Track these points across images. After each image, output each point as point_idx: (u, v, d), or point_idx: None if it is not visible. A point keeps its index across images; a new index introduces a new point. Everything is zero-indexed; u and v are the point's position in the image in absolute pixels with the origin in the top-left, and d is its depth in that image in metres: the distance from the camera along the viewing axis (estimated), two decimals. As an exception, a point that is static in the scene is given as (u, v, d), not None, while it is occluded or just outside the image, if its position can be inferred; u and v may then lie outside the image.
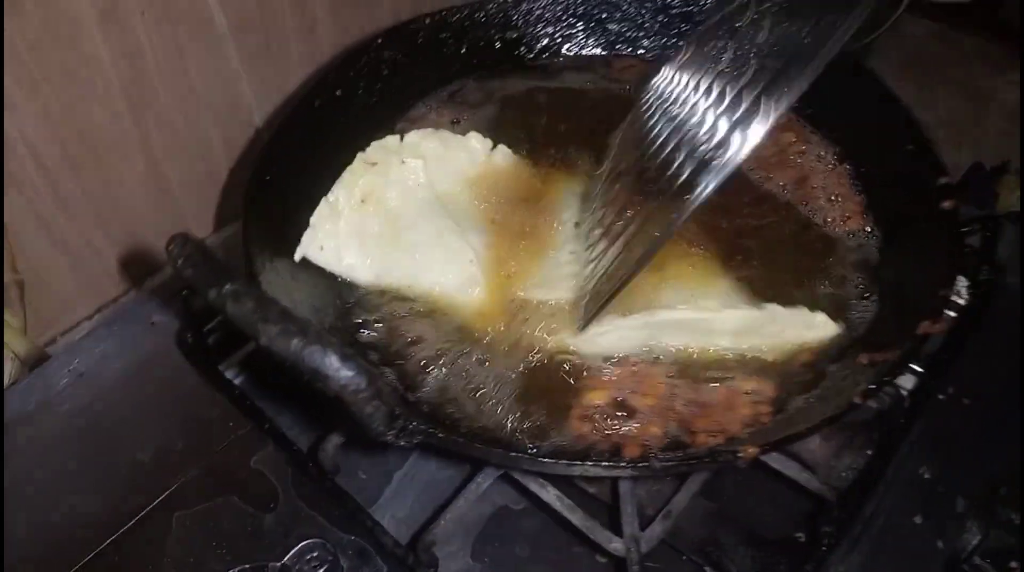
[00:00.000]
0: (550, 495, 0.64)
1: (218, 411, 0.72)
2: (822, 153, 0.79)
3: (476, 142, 0.77)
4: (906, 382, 0.74)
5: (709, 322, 0.62)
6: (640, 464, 0.48)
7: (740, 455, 0.48)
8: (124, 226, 0.96)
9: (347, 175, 0.72)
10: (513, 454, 0.49)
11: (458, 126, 0.84)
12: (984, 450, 0.70)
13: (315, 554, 0.64)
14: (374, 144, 0.74)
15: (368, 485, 0.78)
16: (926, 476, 0.67)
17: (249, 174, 0.66)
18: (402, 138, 0.75)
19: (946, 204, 0.62)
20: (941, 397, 0.72)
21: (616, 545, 0.61)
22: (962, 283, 0.80)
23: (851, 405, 0.51)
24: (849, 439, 0.75)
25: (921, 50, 1.34)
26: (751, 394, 0.58)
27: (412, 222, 0.71)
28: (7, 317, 0.83)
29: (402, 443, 0.49)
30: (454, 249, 0.69)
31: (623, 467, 0.48)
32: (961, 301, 0.80)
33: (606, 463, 0.47)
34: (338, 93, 0.75)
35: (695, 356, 0.62)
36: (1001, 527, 0.66)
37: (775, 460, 0.65)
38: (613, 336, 0.62)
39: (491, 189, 0.74)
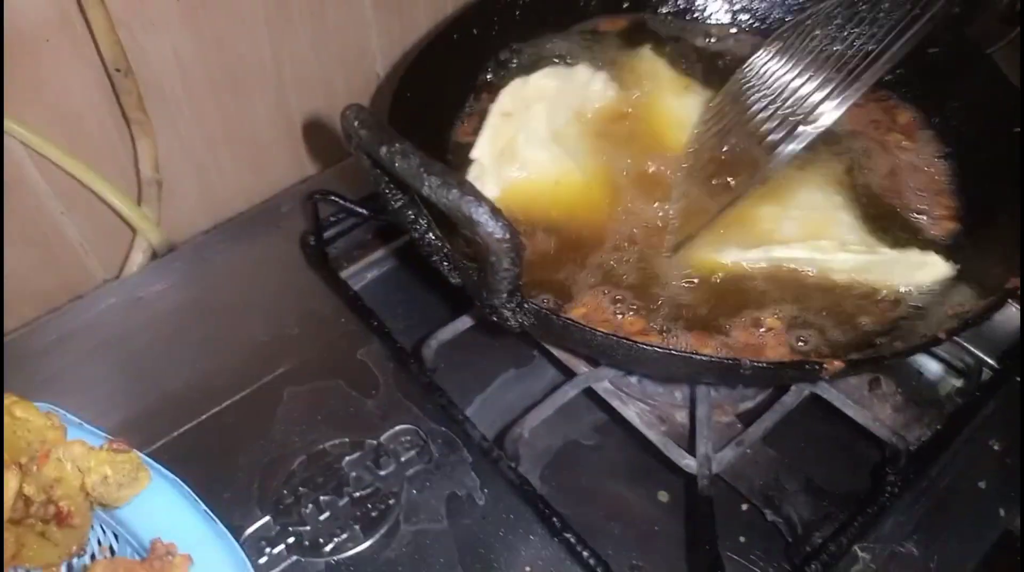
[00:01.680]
0: (631, 412, 0.68)
1: (331, 307, 0.78)
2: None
3: (583, 74, 0.82)
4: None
5: (825, 262, 0.67)
6: (729, 361, 0.52)
7: (826, 366, 0.52)
8: (249, 150, 1.03)
9: (487, 130, 0.77)
10: (615, 340, 0.53)
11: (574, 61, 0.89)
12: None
13: (408, 438, 0.70)
14: (503, 93, 0.79)
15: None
16: (996, 447, 0.70)
17: (395, 87, 0.72)
18: (526, 80, 0.80)
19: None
20: (1019, 379, 0.74)
21: (688, 462, 0.64)
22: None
23: (935, 339, 0.54)
24: (920, 414, 0.78)
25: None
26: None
27: (536, 160, 0.77)
28: (145, 211, 0.91)
29: (513, 322, 0.53)
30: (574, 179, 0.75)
31: (713, 362, 0.52)
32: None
33: (699, 357, 0.51)
34: (474, 31, 0.81)
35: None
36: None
37: (851, 408, 0.68)
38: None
39: (601, 122, 0.81)
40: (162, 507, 0.48)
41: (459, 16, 0.80)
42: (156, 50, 0.88)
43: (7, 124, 0.76)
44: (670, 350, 0.52)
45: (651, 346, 0.52)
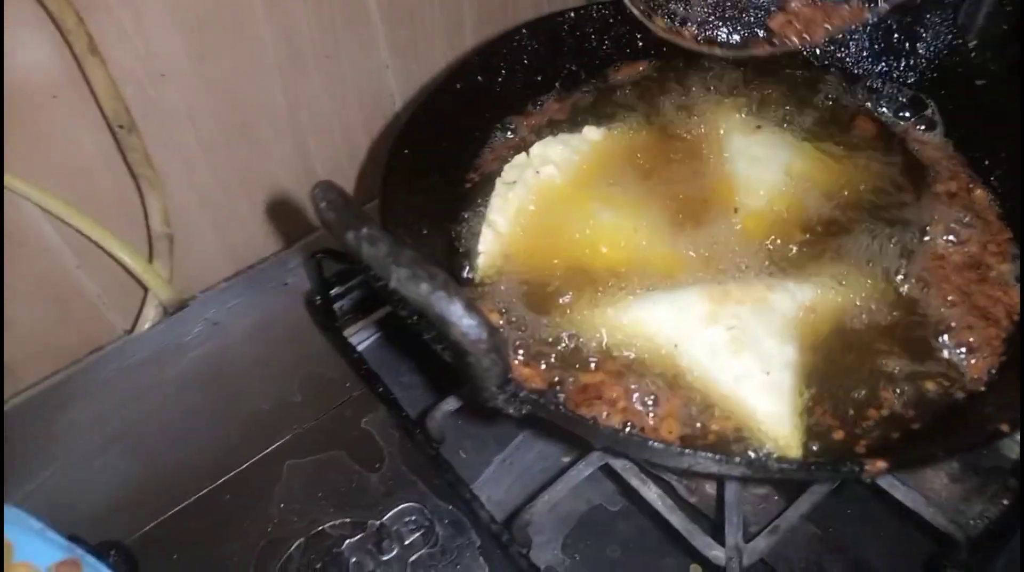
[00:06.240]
0: (651, 493, 0.62)
1: (337, 372, 0.75)
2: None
3: (591, 134, 0.78)
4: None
5: None
6: (755, 462, 0.46)
7: (867, 467, 0.45)
8: (268, 197, 1.01)
9: (495, 200, 0.74)
10: (623, 435, 0.48)
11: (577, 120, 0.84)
12: None
13: (413, 518, 0.65)
14: (506, 168, 0.76)
15: (468, 465, 0.78)
16: (1070, 530, 0.61)
17: (391, 144, 0.69)
18: (528, 153, 0.77)
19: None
20: None
21: (717, 553, 0.58)
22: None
23: (998, 432, 0.47)
24: (981, 484, 0.70)
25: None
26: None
27: (566, 220, 0.73)
28: (157, 267, 0.89)
29: (511, 411, 0.49)
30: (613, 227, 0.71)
31: (737, 463, 0.46)
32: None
33: (719, 456, 0.46)
34: (479, 78, 0.77)
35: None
36: None
37: (900, 491, 0.61)
38: None
39: (621, 169, 0.75)
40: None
41: (464, 64, 0.76)
42: (166, 101, 0.86)
43: (15, 183, 0.75)
44: (685, 451, 0.46)
45: (669, 445, 0.46)
